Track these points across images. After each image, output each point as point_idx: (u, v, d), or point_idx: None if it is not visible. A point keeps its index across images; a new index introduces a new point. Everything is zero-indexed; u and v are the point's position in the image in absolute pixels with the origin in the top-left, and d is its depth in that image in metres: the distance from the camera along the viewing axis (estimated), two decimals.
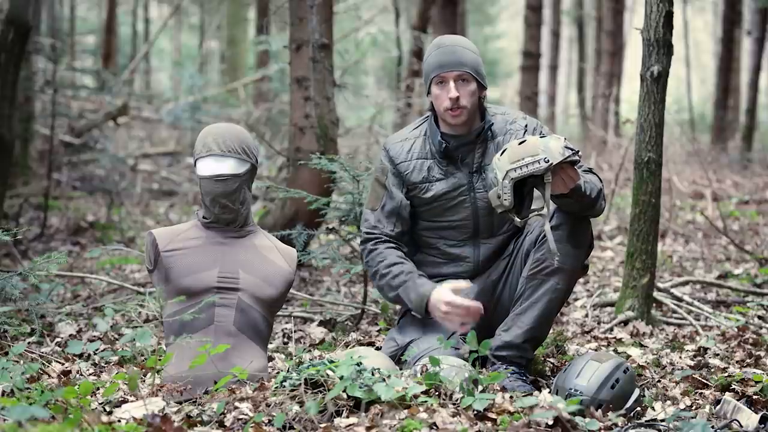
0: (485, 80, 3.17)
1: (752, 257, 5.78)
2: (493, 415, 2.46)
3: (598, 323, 4.28)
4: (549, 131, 3.26)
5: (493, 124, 3.19)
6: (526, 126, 3.22)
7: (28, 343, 3.60)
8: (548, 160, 2.83)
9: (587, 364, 2.78)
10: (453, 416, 2.41)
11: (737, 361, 3.43)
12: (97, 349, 3.43)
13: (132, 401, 2.75)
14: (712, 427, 2.51)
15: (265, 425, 2.45)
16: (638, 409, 2.79)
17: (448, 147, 3.17)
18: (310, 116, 4.90)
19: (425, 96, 3.28)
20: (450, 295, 2.99)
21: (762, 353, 3.51)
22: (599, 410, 2.65)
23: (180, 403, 2.78)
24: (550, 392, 2.85)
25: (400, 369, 3.02)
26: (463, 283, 3.04)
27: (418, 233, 3.29)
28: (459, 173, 3.18)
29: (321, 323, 4.20)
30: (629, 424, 2.55)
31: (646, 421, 2.64)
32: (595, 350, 3.69)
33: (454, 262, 3.25)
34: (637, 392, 2.80)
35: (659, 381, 3.15)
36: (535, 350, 3.17)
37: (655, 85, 3.91)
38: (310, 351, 3.61)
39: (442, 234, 3.25)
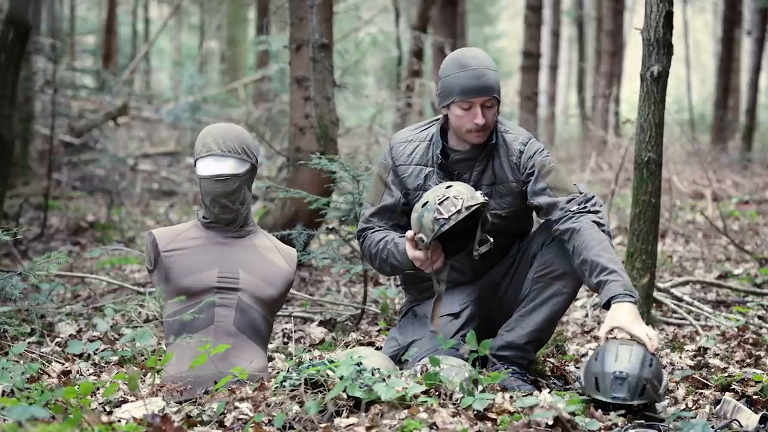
0: (500, 94, 3.12)
1: (752, 257, 5.78)
2: (493, 415, 2.46)
3: (598, 323, 4.28)
4: (547, 156, 3.10)
5: (494, 142, 3.14)
6: (520, 152, 3.12)
7: (28, 343, 3.59)
8: (423, 240, 2.92)
9: (620, 349, 2.75)
10: (453, 416, 2.41)
11: (737, 361, 3.43)
12: (97, 349, 3.43)
13: (132, 401, 2.74)
14: (712, 427, 2.52)
15: (265, 425, 2.45)
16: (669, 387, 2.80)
17: (444, 163, 3.14)
18: (310, 116, 4.90)
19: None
20: (412, 252, 3.01)
21: (762, 353, 3.52)
22: (644, 390, 2.64)
23: (180, 403, 2.78)
24: (581, 384, 2.78)
25: (401, 369, 3.01)
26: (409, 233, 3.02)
27: None
28: None
29: (321, 323, 4.20)
30: (629, 424, 2.55)
31: (646, 421, 2.64)
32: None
33: (451, 268, 3.23)
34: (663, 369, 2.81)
35: None
36: (536, 352, 3.16)
37: (655, 85, 3.91)
38: (310, 351, 3.61)
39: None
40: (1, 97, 5.25)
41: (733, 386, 2.99)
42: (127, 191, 9.08)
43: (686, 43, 19.53)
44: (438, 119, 3.23)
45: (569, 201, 3.01)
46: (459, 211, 2.86)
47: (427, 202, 2.93)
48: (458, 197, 2.88)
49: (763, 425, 2.61)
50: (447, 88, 3.07)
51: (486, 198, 2.93)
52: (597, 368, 2.75)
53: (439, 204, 2.88)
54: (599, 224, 2.95)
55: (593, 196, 3.03)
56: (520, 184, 3.11)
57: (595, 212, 2.99)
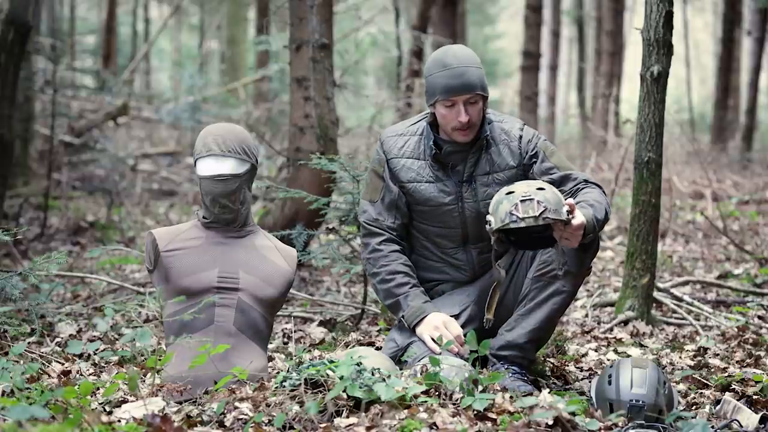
0: (488, 90, 3.13)
1: (752, 257, 5.78)
2: (493, 415, 2.46)
3: (598, 323, 4.28)
4: (545, 140, 3.20)
5: (489, 134, 3.17)
6: (520, 137, 3.17)
7: (28, 343, 3.59)
8: (491, 224, 2.87)
9: (635, 372, 2.70)
10: (453, 416, 2.41)
11: (737, 361, 3.43)
12: (97, 349, 3.43)
13: (132, 401, 2.74)
14: (712, 427, 2.52)
15: (265, 425, 2.45)
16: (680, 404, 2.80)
17: (438, 154, 3.16)
18: (310, 116, 4.89)
19: (422, 98, 3.26)
20: (451, 318, 3.08)
21: (762, 353, 3.52)
22: (659, 419, 2.61)
23: (180, 403, 2.78)
24: (595, 407, 2.74)
25: (400, 369, 3.01)
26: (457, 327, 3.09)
27: (413, 235, 3.29)
28: (449, 181, 3.17)
29: (321, 323, 4.20)
30: (629, 424, 2.55)
31: (646, 421, 2.64)
32: (595, 350, 3.70)
33: (450, 266, 3.25)
34: (674, 388, 2.80)
35: None
36: (537, 351, 3.16)
37: (655, 85, 3.92)
38: (310, 351, 3.61)
39: (434, 239, 3.26)
40: (1, 97, 5.25)
41: (733, 386, 2.99)
42: (127, 191, 9.08)
43: (686, 43, 19.53)
44: (426, 115, 3.25)
45: (578, 176, 3.13)
46: (535, 218, 2.78)
47: (513, 192, 2.86)
48: (542, 203, 2.80)
49: (763, 425, 2.61)
50: (430, 88, 3.11)
51: (570, 217, 2.83)
52: (611, 394, 2.70)
53: (521, 201, 2.81)
54: (604, 195, 3.10)
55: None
56: (521, 167, 3.15)
57: (600, 188, 3.13)
